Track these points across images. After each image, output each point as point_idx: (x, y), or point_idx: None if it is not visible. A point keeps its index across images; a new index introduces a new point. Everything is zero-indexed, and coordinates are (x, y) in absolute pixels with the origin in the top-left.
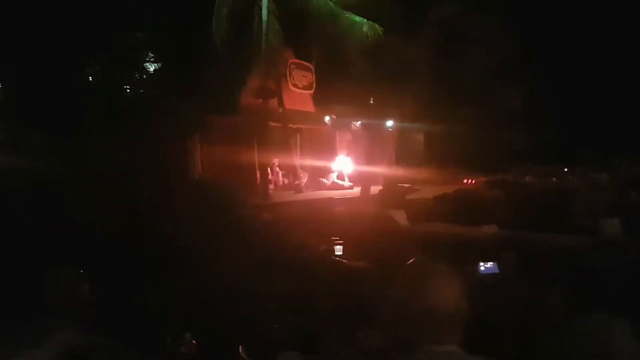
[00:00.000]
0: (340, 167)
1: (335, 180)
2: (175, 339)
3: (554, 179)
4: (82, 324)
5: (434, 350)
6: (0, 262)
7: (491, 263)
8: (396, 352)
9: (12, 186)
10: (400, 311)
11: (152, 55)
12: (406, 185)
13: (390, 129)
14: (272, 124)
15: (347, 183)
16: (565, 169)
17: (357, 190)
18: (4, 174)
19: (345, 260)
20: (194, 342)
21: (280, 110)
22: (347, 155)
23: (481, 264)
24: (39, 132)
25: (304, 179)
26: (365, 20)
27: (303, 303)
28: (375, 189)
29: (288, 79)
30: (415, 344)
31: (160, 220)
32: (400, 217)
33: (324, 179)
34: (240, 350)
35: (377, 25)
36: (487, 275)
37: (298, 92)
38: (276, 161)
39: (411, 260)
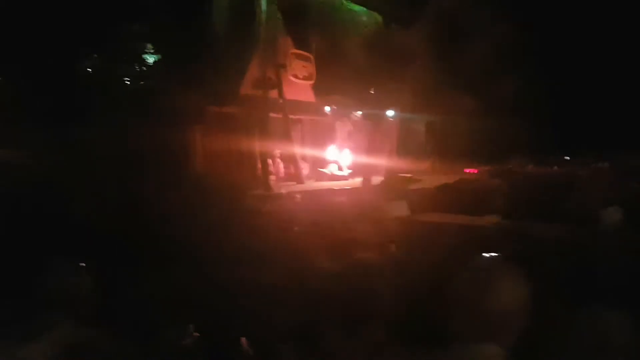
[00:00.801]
0: (337, 157)
1: (334, 170)
2: (177, 331)
3: (555, 168)
4: (82, 318)
5: (477, 349)
6: None
7: (495, 254)
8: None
9: (9, 179)
10: (459, 309)
11: (151, 46)
12: (408, 175)
13: (391, 119)
14: (272, 114)
15: (343, 173)
16: (567, 158)
17: (355, 180)
18: (1, 167)
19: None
20: (196, 334)
21: (281, 101)
22: (348, 145)
23: (485, 255)
24: (37, 125)
25: (305, 169)
26: (365, 9)
27: (304, 295)
28: (376, 180)
29: (288, 69)
30: (459, 342)
31: (160, 212)
32: (402, 208)
33: (324, 170)
34: (242, 342)
35: (376, 15)
36: None
37: (298, 82)
38: (277, 152)
39: (477, 258)
